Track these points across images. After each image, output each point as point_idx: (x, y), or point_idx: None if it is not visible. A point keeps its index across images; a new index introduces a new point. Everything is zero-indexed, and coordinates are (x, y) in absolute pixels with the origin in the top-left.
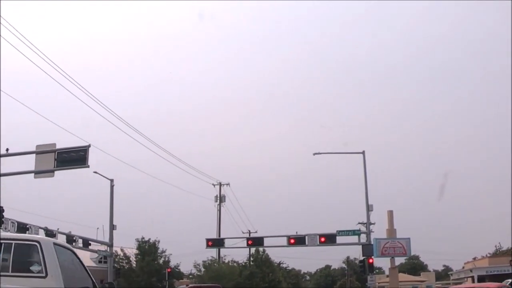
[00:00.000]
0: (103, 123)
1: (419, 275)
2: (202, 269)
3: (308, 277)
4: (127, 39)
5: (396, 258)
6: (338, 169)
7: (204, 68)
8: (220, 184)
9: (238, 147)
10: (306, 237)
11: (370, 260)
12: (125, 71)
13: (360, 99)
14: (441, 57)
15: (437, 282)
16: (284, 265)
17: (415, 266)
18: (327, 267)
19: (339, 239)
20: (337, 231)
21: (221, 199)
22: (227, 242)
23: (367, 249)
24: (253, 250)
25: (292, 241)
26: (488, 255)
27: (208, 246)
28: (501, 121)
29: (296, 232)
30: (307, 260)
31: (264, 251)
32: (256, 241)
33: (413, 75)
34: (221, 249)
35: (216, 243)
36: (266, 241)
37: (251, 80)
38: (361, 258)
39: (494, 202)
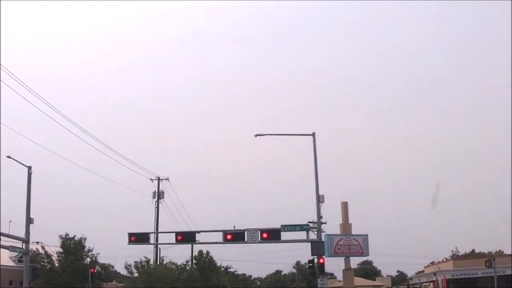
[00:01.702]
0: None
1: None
2: (134, 271)
3: (258, 283)
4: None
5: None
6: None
7: (147, 61)
8: (159, 179)
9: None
10: (246, 233)
11: (321, 260)
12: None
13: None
14: None
15: (399, 286)
16: (232, 270)
17: (368, 272)
18: (278, 272)
19: (284, 236)
20: (281, 225)
21: (159, 195)
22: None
23: (317, 247)
24: (196, 252)
25: (228, 237)
26: (445, 260)
27: (130, 241)
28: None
29: (234, 227)
30: (259, 265)
31: (208, 253)
32: (186, 237)
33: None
34: (162, 250)
35: (140, 238)
36: (201, 238)
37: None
38: (310, 258)
39: (447, 207)
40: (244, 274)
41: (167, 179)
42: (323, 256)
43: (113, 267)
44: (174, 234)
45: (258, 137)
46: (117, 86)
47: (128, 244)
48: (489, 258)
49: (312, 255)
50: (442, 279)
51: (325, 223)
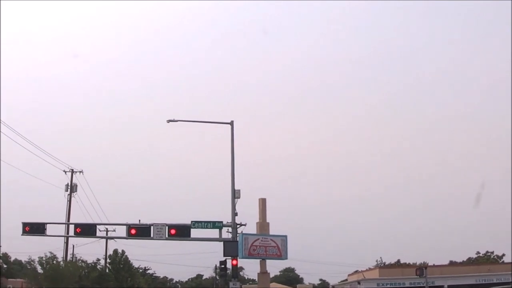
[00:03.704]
0: None
1: None
2: (39, 267)
3: (179, 286)
4: None
5: (269, 267)
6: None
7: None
8: (72, 171)
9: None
10: (152, 228)
11: (234, 262)
12: None
13: None
14: None
15: None
16: (151, 271)
17: (290, 279)
18: (199, 276)
19: (195, 233)
20: (192, 221)
21: (72, 188)
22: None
23: (231, 247)
24: (111, 251)
25: (133, 231)
26: (370, 269)
27: (25, 232)
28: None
29: (139, 221)
30: (183, 268)
31: (123, 252)
32: (86, 230)
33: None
34: (75, 247)
35: (36, 228)
36: (102, 232)
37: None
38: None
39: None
40: (165, 277)
41: (81, 171)
42: (237, 257)
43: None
44: (73, 226)
45: (178, 126)
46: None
47: (22, 234)
48: (421, 267)
49: (224, 256)
50: None
51: (244, 224)
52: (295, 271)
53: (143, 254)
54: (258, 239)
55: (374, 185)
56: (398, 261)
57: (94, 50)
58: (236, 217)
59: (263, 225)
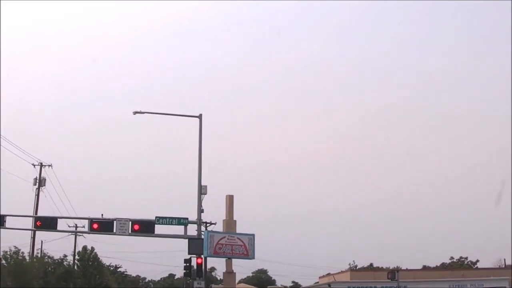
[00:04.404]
0: None
1: None
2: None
3: (152, 285)
4: None
5: (241, 268)
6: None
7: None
8: (41, 165)
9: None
10: (115, 223)
11: (199, 260)
12: None
13: None
14: None
15: None
16: (122, 269)
17: (262, 281)
18: (171, 276)
19: (160, 229)
20: (156, 217)
21: (40, 182)
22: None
23: (196, 245)
24: (80, 247)
25: (95, 226)
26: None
27: None
28: None
29: (102, 215)
30: (157, 267)
31: (92, 249)
32: (46, 223)
33: None
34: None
35: None
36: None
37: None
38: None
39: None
40: (138, 276)
41: (50, 165)
42: (202, 256)
43: None
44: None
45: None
46: None
47: None
48: (393, 270)
49: (189, 254)
50: None
51: (214, 223)
52: (268, 273)
53: (116, 252)
54: (225, 237)
55: (350, 187)
56: (371, 264)
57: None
58: (202, 214)
59: (229, 223)
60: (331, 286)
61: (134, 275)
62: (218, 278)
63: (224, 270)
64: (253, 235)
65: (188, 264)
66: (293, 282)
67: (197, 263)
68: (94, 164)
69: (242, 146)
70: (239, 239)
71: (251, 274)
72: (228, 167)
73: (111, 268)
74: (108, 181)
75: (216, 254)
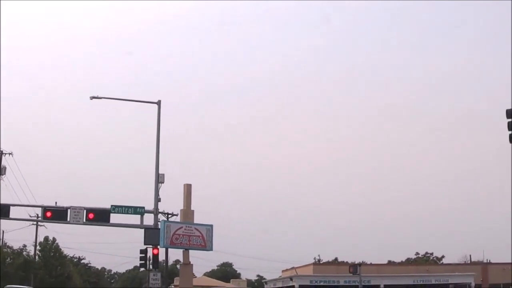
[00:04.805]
0: None
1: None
2: None
3: (117, 277)
4: None
5: (205, 261)
6: None
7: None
8: (1, 153)
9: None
10: (69, 211)
11: (155, 251)
12: None
13: None
14: None
15: None
16: (85, 261)
17: (227, 274)
18: (136, 268)
19: (115, 218)
20: (111, 206)
21: (0, 170)
22: None
23: (152, 235)
24: (41, 237)
25: (48, 214)
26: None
27: None
28: None
29: (56, 203)
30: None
31: (54, 240)
32: None
33: None
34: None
35: None
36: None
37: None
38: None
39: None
40: (103, 268)
41: (10, 153)
42: (158, 246)
43: None
44: None
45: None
46: None
47: None
48: (355, 264)
49: (145, 244)
50: None
51: (176, 215)
52: (233, 266)
53: (82, 243)
54: (182, 227)
55: (320, 182)
56: (336, 259)
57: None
58: (161, 204)
59: (187, 212)
60: (293, 280)
61: (99, 267)
62: None
63: (193, 263)
64: (212, 226)
65: (144, 255)
66: (258, 275)
67: (153, 253)
68: (55, 153)
69: (211, 140)
70: (197, 229)
71: (216, 267)
72: (200, 161)
73: (75, 260)
74: (69, 170)
75: (172, 245)
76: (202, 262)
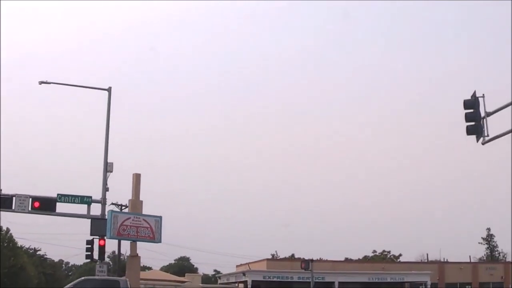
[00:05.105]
0: None
1: None
2: None
3: (74, 269)
4: None
5: (162, 255)
6: None
7: None
8: None
9: None
10: (14, 199)
11: (101, 242)
12: None
13: None
14: None
15: (204, 285)
16: (41, 253)
17: (183, 269)
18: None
19: (62, 207)
20: (58, 195)
21: None
22: None
23: (98, 225)
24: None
25: None
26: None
27: None
28: None
29: (0, 190)
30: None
31: (8, 230)
32: None
33: None
34: None
35: None
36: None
37: None
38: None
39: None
40: (61, 260)
41: None
42: (105, 237)
43: None
44: None
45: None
46: None
47: None
48: (307, 260)
49: (91, 235)
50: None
51: (126, 206)
52: (190, 261)
53: (38, 234)
54: (129, 218)
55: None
56: (293, 255)
57: None
58: (107, 192)
59: (135, 203)
60: (246, 275)
61: (56, 259)
62: (143, 265)
63: (152, 257)
64: (160, 217)
65: (90, 246)
66: (215, 270)
67: (99, 245)
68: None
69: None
70: (145, 221)
71: (173, 262)
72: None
73: (30, 251)
74: (17, 156)
75: (119, 236)
76: (159, 256)
